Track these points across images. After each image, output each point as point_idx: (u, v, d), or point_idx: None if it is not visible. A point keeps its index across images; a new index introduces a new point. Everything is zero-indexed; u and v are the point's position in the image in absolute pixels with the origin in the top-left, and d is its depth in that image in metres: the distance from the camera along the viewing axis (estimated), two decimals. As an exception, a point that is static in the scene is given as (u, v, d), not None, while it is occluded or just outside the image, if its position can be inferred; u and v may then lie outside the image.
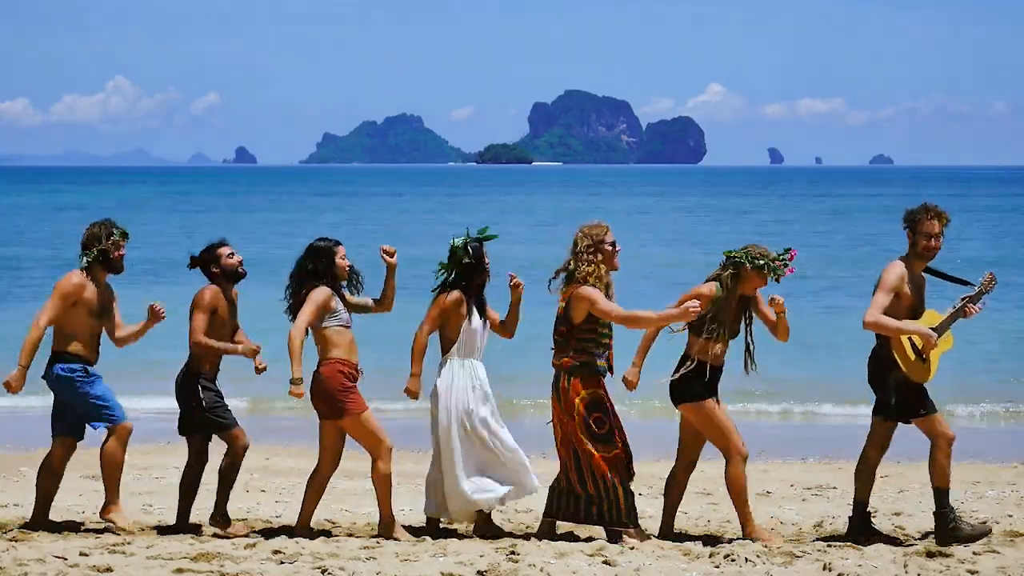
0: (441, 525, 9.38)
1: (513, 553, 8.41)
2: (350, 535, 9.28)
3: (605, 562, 8.23)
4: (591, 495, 8.88)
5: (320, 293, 8.98)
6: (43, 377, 9.22)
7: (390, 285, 9.36)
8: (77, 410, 9.18)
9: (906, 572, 8.03)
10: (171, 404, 9.62)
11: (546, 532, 9.12)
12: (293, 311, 9.08)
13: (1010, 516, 10.18)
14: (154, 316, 9.36)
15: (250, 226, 61.55)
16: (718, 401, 8.95)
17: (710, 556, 8.38)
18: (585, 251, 8.84)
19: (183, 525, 9.39)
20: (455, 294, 9.11)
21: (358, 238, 45.87)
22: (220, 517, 9.29)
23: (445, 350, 9.17)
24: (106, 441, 9.17)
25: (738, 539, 8.96)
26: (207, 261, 9.29)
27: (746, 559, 8.26)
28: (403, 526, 9.62)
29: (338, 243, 9.18)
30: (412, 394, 9.14)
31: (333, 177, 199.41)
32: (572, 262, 8.87)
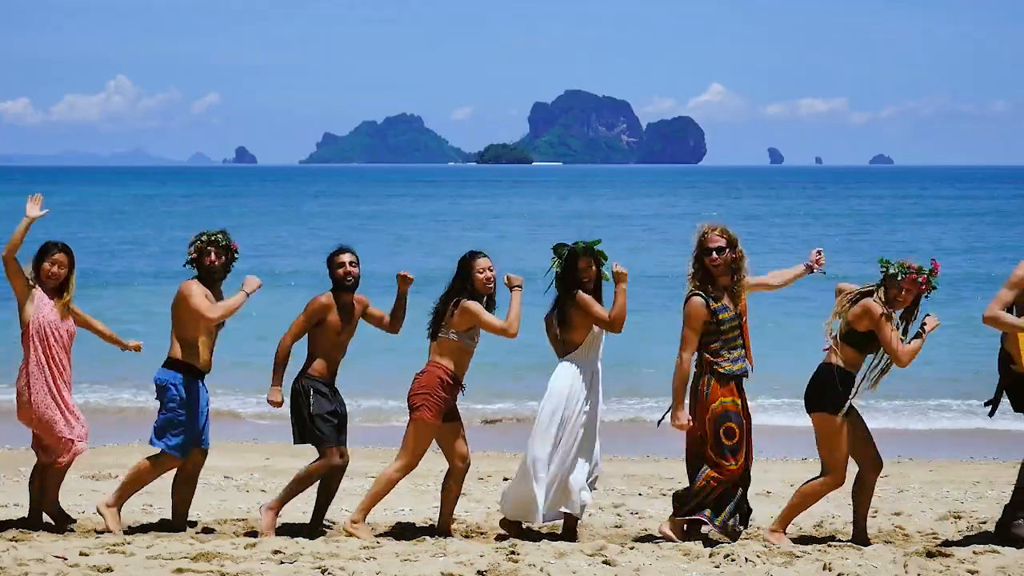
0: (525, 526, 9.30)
1: (513, 553, 8.40)
2: (350, 535, 9.25)
3: (605, 562, 8.22)
4: (691, 489, 8.80)
5: (473, 306, 8.97)
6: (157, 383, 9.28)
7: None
8: (158, 414, 9.24)
9: (906, 572, 8.02)
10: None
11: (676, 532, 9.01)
12: (434, 324, 9.08)
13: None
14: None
15: (258, 230, 61.49)
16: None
17: (710, 556, 8.37)
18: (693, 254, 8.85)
19: (316, 525, 9.40)
20: (586, 295, 8.94)
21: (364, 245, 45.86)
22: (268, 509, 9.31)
23: (567, 352, 9.03)
24: (153, 458, 9.28)
25: (738, 539, 8.95)
26: (328, 264, 9.32)
27: (746, 559, 8.25)
28: (402, 526, 9.64)
29: (477, 255, 9.11)
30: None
31: (335, 177, 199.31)
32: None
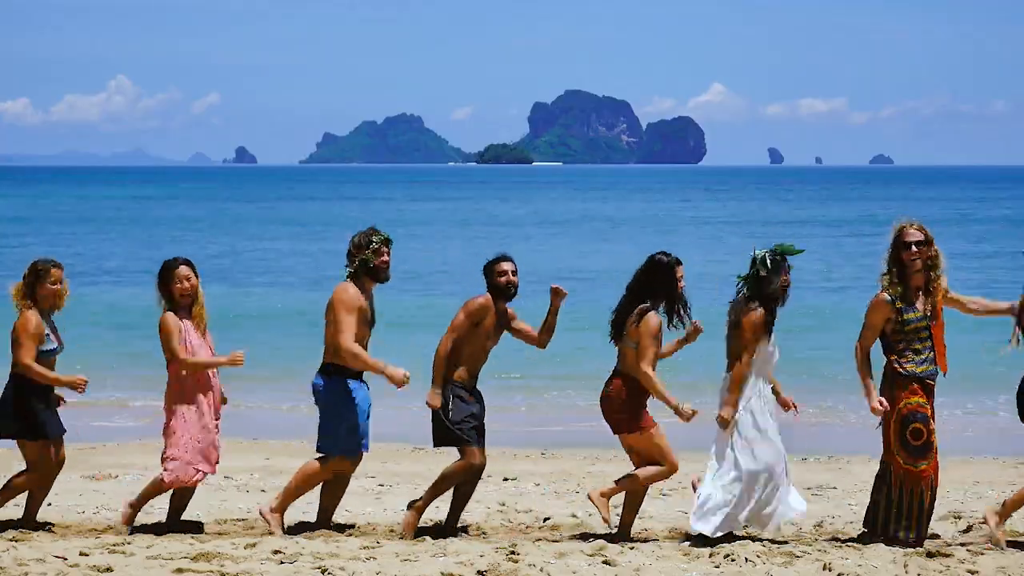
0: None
1: (513, 553, 8.40)
2: (350, 535, 9.26)
3: (605, 562, 8.23)
4: (877, 501, 8.75)
5: (655, 321, 8.81)
6: (315, 390, 9.15)
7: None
8: (321, 421, 9.14)
9: (906, 572, 8.03)
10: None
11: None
12: (616, 327, 8.93)
13: (1010, 516, 10.16)
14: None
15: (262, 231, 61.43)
16: None
17: (710, 556, 8.37)
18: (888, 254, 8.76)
19: (451, 528, 9.36)
20: (761, 311, 8.77)
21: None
22: (449, 529, 9.30)
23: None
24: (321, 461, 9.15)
25: (738, 539, 8.95)
26: (486, 271, 9.19)
27: (746, 559, 8.25)
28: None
29: (678, 261, 8.95)
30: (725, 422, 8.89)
31: (337, 177, 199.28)
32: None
